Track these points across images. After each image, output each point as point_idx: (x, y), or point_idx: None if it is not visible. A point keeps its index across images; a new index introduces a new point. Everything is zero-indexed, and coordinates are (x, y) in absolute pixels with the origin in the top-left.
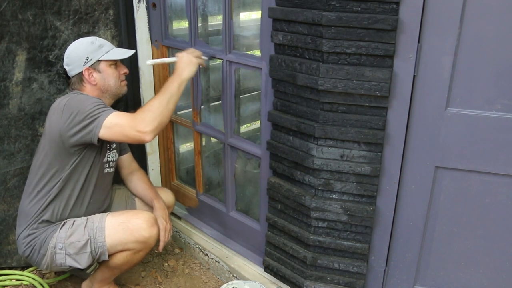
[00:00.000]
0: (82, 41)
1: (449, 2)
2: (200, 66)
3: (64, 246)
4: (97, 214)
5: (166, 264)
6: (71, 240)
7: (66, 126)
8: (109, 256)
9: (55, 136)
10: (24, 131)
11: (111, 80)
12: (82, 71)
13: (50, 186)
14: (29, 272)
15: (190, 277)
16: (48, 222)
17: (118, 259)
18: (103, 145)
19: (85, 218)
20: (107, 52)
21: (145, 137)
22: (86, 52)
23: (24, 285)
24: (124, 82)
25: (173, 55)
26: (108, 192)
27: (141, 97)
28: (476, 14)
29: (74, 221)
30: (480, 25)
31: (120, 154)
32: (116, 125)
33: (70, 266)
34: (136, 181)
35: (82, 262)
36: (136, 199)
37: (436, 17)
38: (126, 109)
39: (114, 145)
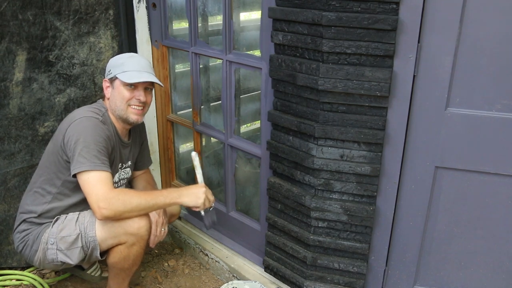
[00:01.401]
0: (119, 55)
1: (449, 2)
2: (197, 209)
3: (55, 241)
4: (89, 210)
5: (166, 264)
6: (62, 234)
7: (63, 145)
8: (103, 253)
9: (57, 143)
10: (24, 131)
11: (119, 100)
12: (103, 80)
13: (53, 191)
14: (29, 272)
15: (190, 277)
16: (45, 218)
17: (114, 256)
18: (113, 164)
19: (77, 213)
20: (124, 71)
21: (97, 215)
22: (111, 65)
23: (24, 285)
24: (134, 110)
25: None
26: None
27: None
28: (476, 14)
29: (66, 216)
30: (480, 25)
31: (135, 169)
32: (88, 185)
33: (62, 262)
34: (139, 179)
35: (73, 257)
36: None
37: (436, 17)
38: None
39: (129, 162)
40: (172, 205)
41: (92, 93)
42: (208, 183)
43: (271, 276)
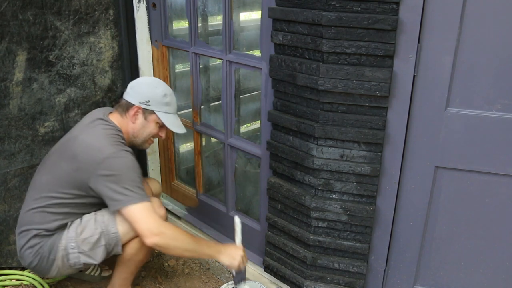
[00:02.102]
0: (159, 86)
1: (449, 2)
2: (230, 268)
3: (76, 245)
4: (104, 208)
5: (166, 264)
6: (84, 236)
7: (98, 178)
8: (122, 247)
9: (83, 175)
10: (25, 131)
11: (146, 133)
12: (134, 105)
13: (65, 208)
14: (29, 272)
15: (190, 277)
16: (52, 231)
17: (132, 246)
18: None
19: (93, 213)
20: (166, 113)
21: (148, 240)
22: (152, 97)
23: (24, 285)
24: (151, 141)
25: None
26: None
27: None
28: (476, 14)
29: (81, 218)
30: (480, 25)
31: None
32: (138, 215)
33: (84, 264)
34: None
35: (97, 257)
36: None
37: (436, 17)
38: None
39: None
40: (209, 258)
41: (92, 93)
42: (208, 183)
43: (271, 276)
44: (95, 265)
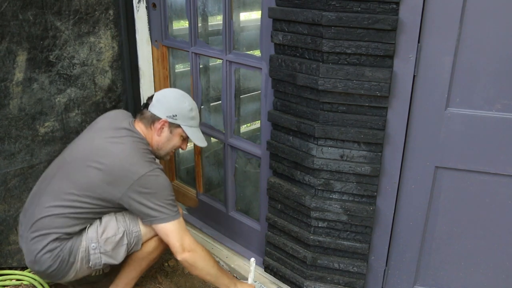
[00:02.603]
0: (186, 101)
1: (449, 2)
2: None
3: (98, 245)
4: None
5: (166, 264)
6: (106, 236)
7: (132, 194)
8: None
9: (115, 190)
10: (25, 131)
11: (170, 146)
12: (161, 118)
13: (88, 214)
14: (29, 272)
15: (190, 277)
16: (75, 234)
17: (149, 245)
18: None
19: (112, 213)
20: (191, 127)
21: (179, 255)
22: (179, 111)
23: (24, 285)
24: (172, 153)
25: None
26: None
27: (141, 97)
28: (476, 14)
29: (100, 219)
30: (480, 25)
31: None
32: (173, 234)
33: (104, 265)
34: None
35: (118, 256)
36: None
37: (436, 17)
38: (126, 110)
39: None
40: None
41: (92, 93)
42: (208, 183)
43: (271, 276)
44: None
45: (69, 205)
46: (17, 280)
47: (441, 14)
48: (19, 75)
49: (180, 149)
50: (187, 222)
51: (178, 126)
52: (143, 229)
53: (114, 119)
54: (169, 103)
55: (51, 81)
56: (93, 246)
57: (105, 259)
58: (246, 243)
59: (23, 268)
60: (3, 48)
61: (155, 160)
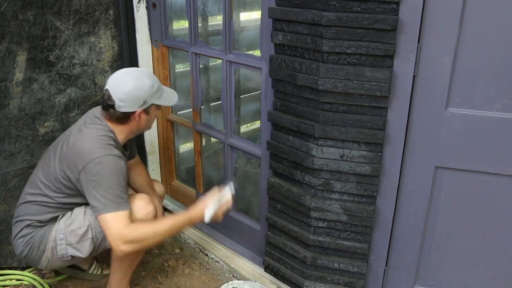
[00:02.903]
0: (143, 82)
1: (449, 2)
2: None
3: (64, 236)
4: None
5: (166, 264)
6: (72, 228)
7: (81, 179)
8: None
9: (70, 176)
10: (25, 131)
11: (151, 122)
12: (135, 112)
13: (55, 202)
14: (29, 272)
15: (190, 277)
16: (43, 222)
17: None
18: None
19: (83, 206)
20: (160, 96)
21: (117, 251)
22: (145, 95)
23: (24, 285)
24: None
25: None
26: None
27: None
28: (476, 14)
29: (72, 211)
30: (480, 25)
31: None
32: (107, 225)
33: (71, 256)
34: (135, 176)
35: (83, 250)
36: (131, 190)
37: (436, 17)
38: None
39: (125, 159)
40: (190, 225)
41: (92, 93)
42: (208, 183)
43: (271, 276)
44: (96, 263)
45: (41, 193)
46: (17, 280)
47: (441, 14)
48: (19, 75)
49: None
50: None
51: (151, 104)
52: None
53: (91, 112)
54: (134, 95)
55: (51, 81)
56: (60, 237)
57: (71, 251)
58: (246, 243)
59: (23, 268)
60: (3, 48)
61: (113, 147)
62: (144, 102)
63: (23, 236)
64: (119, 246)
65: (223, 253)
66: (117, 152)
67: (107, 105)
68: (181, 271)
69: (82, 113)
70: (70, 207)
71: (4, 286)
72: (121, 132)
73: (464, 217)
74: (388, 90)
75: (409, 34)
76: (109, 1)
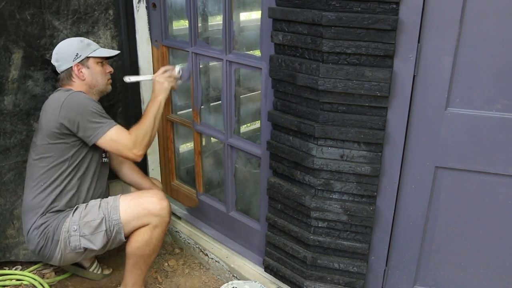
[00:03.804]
0: (71, 40)
1: (449, 2)
2: (172, 89)
3: (78, 228)
4: (109, 197)
5: (166, 264)
6: (86, 220)
7: (63, 125)
8: (127, 237)
9: (52, 129)
10: (19, 126)
11: (99, 76)
12: (71, 66)
13: (55, 179)
14: (29, 272)
15: (190, 277)
16: (58, 211)
17: (137, 239)
18: None
19: (99, 199)
20: (94, 50)
21: (137, 158)
22: (76, 49)
23: (24, 285)
24: (110, 81)
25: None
26: (106, 183)
27: (141, 97)
28: (476, 14)
29: (88, 203)
30: (480, 25)
31: None
32: (115, 142)
33: (84, 248)
34: (128, 170)
35: (96, 242)
36: (131, 188)
37: (436, 17)
38: (126, 109)
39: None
40: (162, 106)
41: None
42: (208, 183)
43: (271, 276)
44: (97, 263)
45: (40, 175)
46: (17, 280)
47: (441, 14)
48: (14, 73)
49: (112, 74)
50: (187, 222)
51: (87, 58)
52: (123, 217)
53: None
54: (64, 51)
55: (46, 78)
56: (74, 228)
57: (84, 242)
58: (246, 243)
59: (22, 262)
60: None
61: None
62: (76, 55)
63: (37, 227)
64: (136, 152)
65: (223, 253)
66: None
67: (53, 72)
68: (181, 271)
69: None
70: (75, 179)
71: (4, 286)
72: (85, 89)
73: (464, 217)
74: (388, 90)
75: (409, 34)
76: (108, 1)
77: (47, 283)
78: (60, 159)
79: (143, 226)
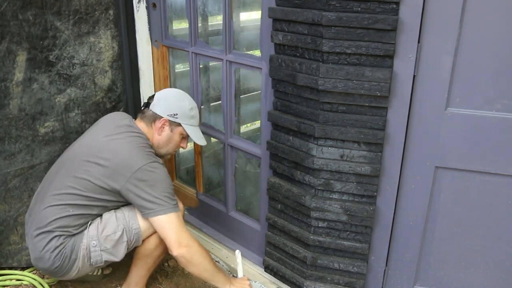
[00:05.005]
0: (186, 100)
1: (449, 2)
2: None
3: (98, 243)
4: (122, 207)
5: (166, 264)
6: (106, 233)
7: (130, 187)
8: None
9: (115, 183)
10: (25, 131)
11: (171, 145)
12: (162, 117)
13: (84, 214)
14: (29, 272)
15: (190, 277)
16: (77, 231)
17: (150, 242)
18: None
19: (112, 211)
20: (192, 125)
21: (176, 250)
22: (180, 110)
23: (24, 285)
24: (174, 153)
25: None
26: None
27: (141, 97)
28: (476, 14)
29: (101, 217)
30: (480, 25)
31: None
32: (170, 225)
33: (105, 262)
34: None
35: (118, 254)
36: None
37: (436, 17)
38: (126, 110)
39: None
40: (220, 286)
41: (92, 93)
42: (208, 183)
43: (271, 276)
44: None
45: (70, 202)
46: (17, 280)
47: (441, 14)
48: (19, 75)
49: (180, 149)
50: (187, 222)
51: (179, 124)
52: (142, 226)
53: (115, 118)
54: (170, 102)
55: (51, 81)
56: (94, 243)
57: (106, 256)
58: (246, 243)
59: (23, 268)
60: (3, 48)
61: (154, 154)
62: (174, 115)
63: (54, 248)
64: (180, 248)
65: (223, 253)
66: (160, 160)
67: (146, 103)
68: (181, 271)
69: (82, 113)
70: (101, 212)
71: (4, 286)
72: (148, 136)
73: (464, 217)
74: (388, 90)
75: (409, 34)
76: (109, 1)
77: (47, 283)
78: (100, 203)
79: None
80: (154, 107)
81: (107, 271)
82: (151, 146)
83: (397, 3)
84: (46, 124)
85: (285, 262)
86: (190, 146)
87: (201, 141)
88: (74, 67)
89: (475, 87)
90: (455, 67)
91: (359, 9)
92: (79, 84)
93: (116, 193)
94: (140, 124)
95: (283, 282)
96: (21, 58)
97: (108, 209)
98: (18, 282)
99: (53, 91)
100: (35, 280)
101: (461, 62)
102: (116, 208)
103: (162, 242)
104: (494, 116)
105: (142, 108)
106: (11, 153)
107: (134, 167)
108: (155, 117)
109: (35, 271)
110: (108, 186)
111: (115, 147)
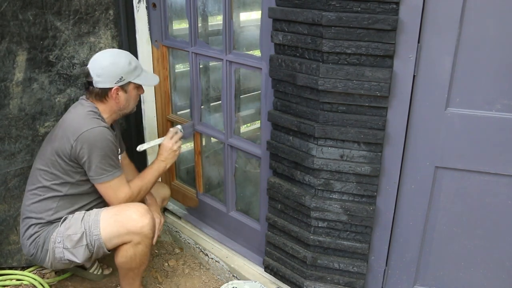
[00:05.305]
0: (120, 59)
1: (449, 2)
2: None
3: (62, 240)
4: (94, 209)
5: (166, 264)
6: (68, 233)
7: (73, 155)
8: (110, 251)
9: (63, 149)
10: (25, 131)
11: (132, 101)
12: (111, 88)
13: (53, 196)
14: (29, 272)
15: (190, 277)
16: (49, 222)
17: (121, 255)
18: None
19: (83, 212)
20: (138, 75)
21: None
22: (122, 72)
23: (24, 285)
24: (137, 101)
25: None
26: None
27: (141, 97)
28: (476, 14)
29: (73, 215)
30: (480, 25)
31: None
32: (113, 191)
33: (68, 260)
34: (130, 177)
35: (78, 255)
36: None
37: (436, 17)
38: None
39: (119, 151)
40: (162, 173)
41: None
42: (208, 183)
43: (271, 276)
44: (97, 263)
45: (40, 184)
46: (17, 280)
47: (441, 14)
48: (19, 75)
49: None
50: (187, 222)
51: (129, 83)
52: (103, 234)
53: (81, 97)
54: (110, 71)
55: (51, 81)
56: (58, 239)
57: (68, 255)
58: (246, 243)
59: (24, 268)
60: (3, 48)
61: (101, 121)
62: (120, 79)
63: (30, 236)
64: (124, 202)
65: (223, 253)
66: (105, 124)
67: (87, 82)
68: (181, 271)
69: None
70: (73, 200)
71: (4, 286)
72: (104, 111)
73: (464, 217)
74: (388, 90)
75: (409, 34)
76: (109, 1)
77: (47, 283)
78: (63, 180)
79: (125, 243)
80: (99, 84)
81: (107, 271)
82: (99, 114)
83: (397, 3)
84: (46, 124)
85: (285, 262)
86: (190, 146)
87: (154, 81)
88: (74, 67)
89: (475, 87)
90: (455, 67)
91: (359, 9)
92: (79, 84)
93: (72, 161)
94: (92, 99)
95: (283, 282)
96: (21, 58)
97: (77, 189)
98: (18, 282)
99: (53, 91)
100: (35, 280)
101: (461, 62)
102: (88, 195)
103: (134, 256)
104: (494, 116)
105: (85, 88)
106: (11, 153)
107: (79, 131)
108: (106, 91)
109: (35, 271)
110: (63, 153)
111: (66, 117)
